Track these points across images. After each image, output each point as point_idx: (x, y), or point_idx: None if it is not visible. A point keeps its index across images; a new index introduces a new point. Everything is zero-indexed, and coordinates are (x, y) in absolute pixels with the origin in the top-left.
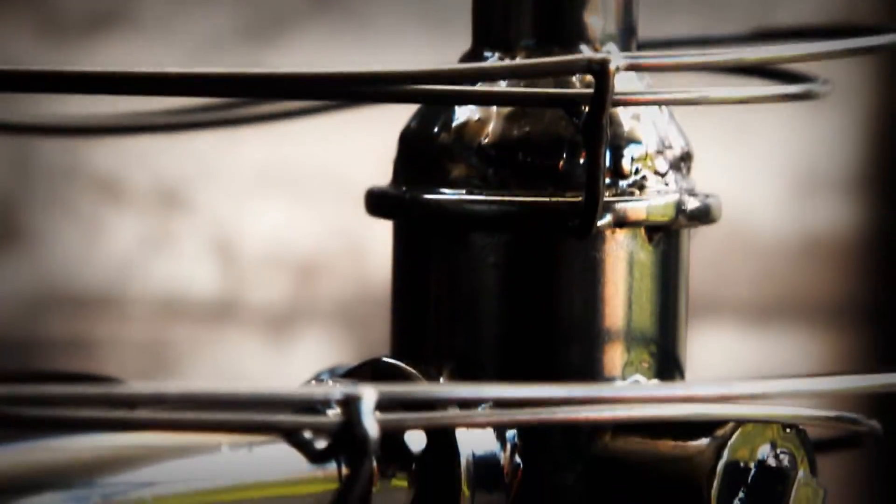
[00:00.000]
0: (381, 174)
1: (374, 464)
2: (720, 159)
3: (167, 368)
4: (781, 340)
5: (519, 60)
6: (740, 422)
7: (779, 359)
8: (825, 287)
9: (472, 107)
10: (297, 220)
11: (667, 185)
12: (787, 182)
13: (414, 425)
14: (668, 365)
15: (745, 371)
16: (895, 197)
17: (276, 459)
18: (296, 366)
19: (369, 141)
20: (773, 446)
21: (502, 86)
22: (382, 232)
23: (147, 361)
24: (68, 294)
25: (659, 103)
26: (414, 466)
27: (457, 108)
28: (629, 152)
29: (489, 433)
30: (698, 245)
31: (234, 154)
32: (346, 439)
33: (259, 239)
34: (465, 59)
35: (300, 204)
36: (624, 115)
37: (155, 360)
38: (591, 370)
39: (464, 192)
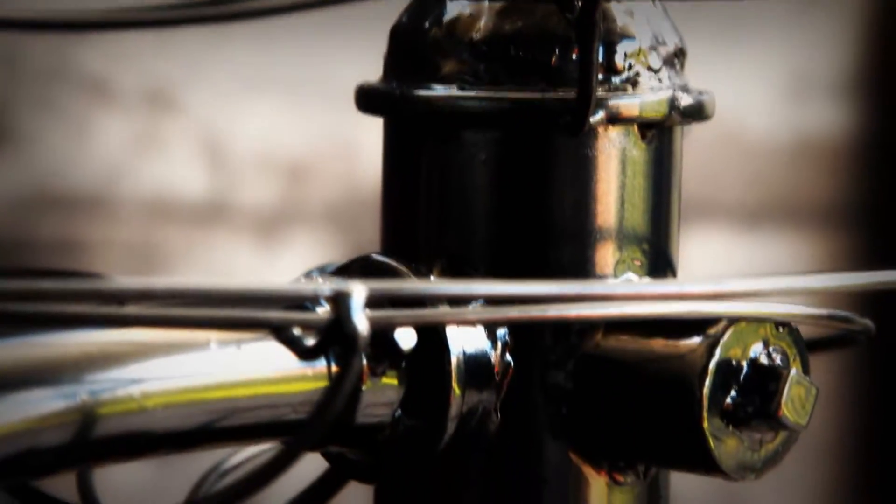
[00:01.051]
0: (373, 73)
1: (364, 361)
2: (713, 60)
3: (156, 269)
4: (773, 243)
5: None
6: (733, 320)
7: (770, 261)
8: (817, 189)
9: (463, 1)
10: (287, 121)
11: (660, 81)
12: (780, 84)
13: (404, 322)
14: (660, 263)
15: (736, 273)
16: (888, 100)
17: (265, 356)
18: (285, 267)
19: (360, 39)
20: (766, 344)
21: None
22: (373, 134)
23: (136, 263)
24: (57, 195)
25: None
26: (404, 364)
27: (448, 2)
28: (622, 48)
29: (480, 331)
30: (690, 148)
31: (223, 55)
32: (336, 336)
33: (249, 140)
34: None
35: (290, 105)
36: (617, 10)
37: (144, 262)
38: (582, 268)
39: (455, 87)
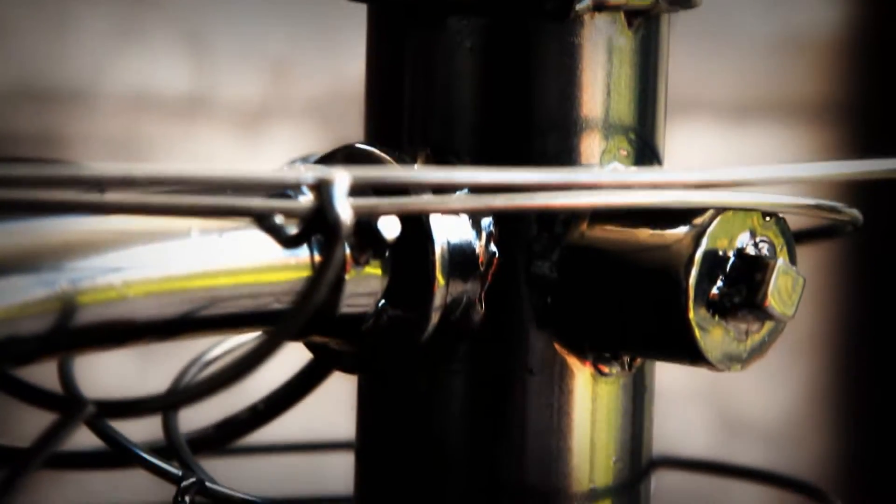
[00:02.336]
0: None
1: (347, 250)
2: None
3: (137, 163)
4: (760, 140)
5: None
6: (719, 209)
7: (758, 159)
8: (805, 85)
9: None
10: (270, 13)
11: None
12: None
13: (387, 210)
14: (646, 154)
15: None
16: None
17: (247, 245)
18: (268, 162)
19: None
20: (753, 235)
21: None
22: (357, 27)
23: (117, 156)
24: (38, 88)
25: None
26: (387, 254)
27: None
28: None
29: (464, 221)
30: (676, 42)
31: None
32: (318, 224)
33: (231, 33)
34: None
35: None
36: None
37: (125, 156)
38: (567, 158)
39: None
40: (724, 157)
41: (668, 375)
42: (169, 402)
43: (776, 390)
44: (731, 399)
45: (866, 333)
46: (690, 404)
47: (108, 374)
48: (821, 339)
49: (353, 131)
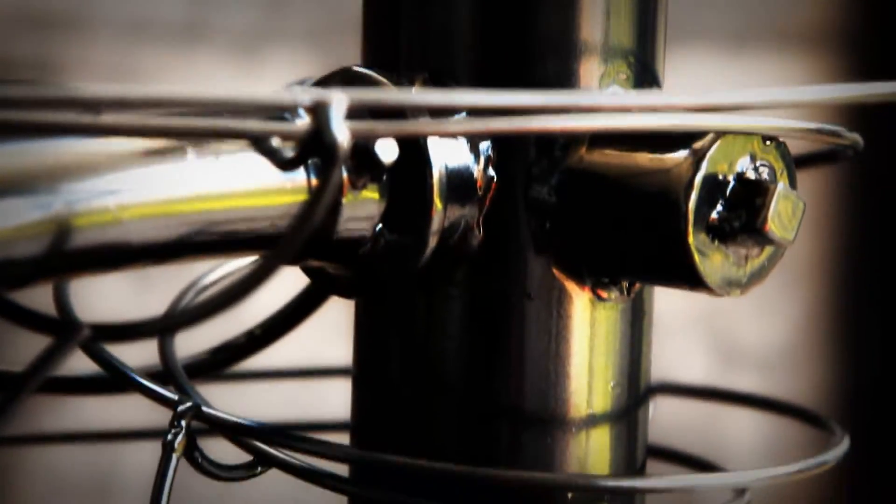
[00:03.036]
0: None
1: (344, 173)
2: None
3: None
4: (759, 67)
5: None
6: (720, 133)
7: (756, 86)
8: (804, 12)
9: None
10: None
11: None
12: None
13: (385, 133)
14: (645, 78)
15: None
16: None
17: (244, 169)
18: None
19: None
20: (753, 159)
21: None
22: None
23: (114, 82)
24: (36, 14)
25: None
26: (385, 178)
27: None
28: None
29: (462, 146)
30: None
31: None
32: (316, 146)
33: None
34: None
35: None
36: None
37: (123, 82)
38: (566, 81)
39: None
40: (720, 85)
41: (665, 305)
42: (165, 326)
43: (773, 319)
44: (728, 328)
45: (865, 261)
46: (687, 334)
47: (104, 300)
48: (819, 268)
49: (351, 57)
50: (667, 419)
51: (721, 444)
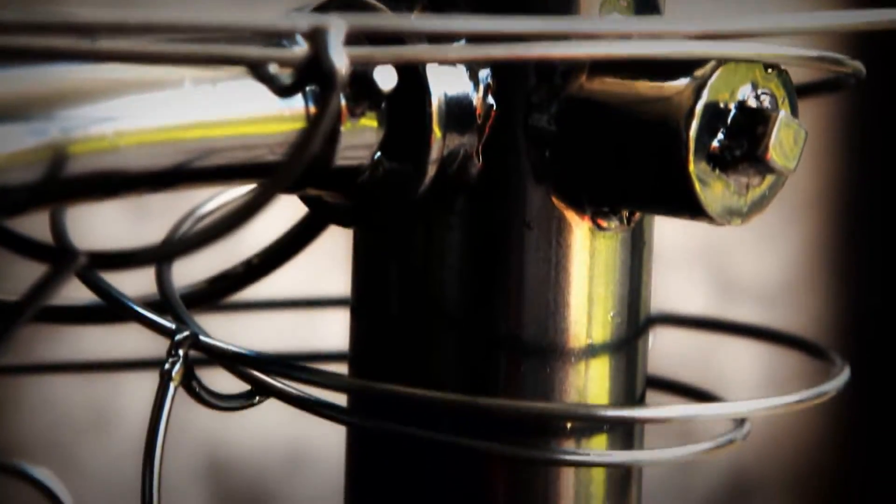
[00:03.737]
0: None
1: (342, 101)
2: None
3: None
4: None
5: None
6: (721, 61)
7: (756, 13)
8: None
9: None
10: None
11: None
12: None
13: (384, 59)
14: (646, 5)
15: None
16: None
17: (241, 96)
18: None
19: None
20: (754, 87)
21: None
22: None
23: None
24: None
25: None
26: (383, 106)
27: None
28: None
29: (462, 73)
30: None
31: None
32: (314, 73)
33: None
34: None
35: None
36: None
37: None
38: (567, 8)
39: None
40: (724, 13)
41: (664, 238)
42: (162, 253)
43: (773, 252)
44: (727, 261)
45: (865, 193)
46: (686, 268)
47: (101, 231)
48: (819, 200)
49: None
50: (666, 351)
51: (720, 378)
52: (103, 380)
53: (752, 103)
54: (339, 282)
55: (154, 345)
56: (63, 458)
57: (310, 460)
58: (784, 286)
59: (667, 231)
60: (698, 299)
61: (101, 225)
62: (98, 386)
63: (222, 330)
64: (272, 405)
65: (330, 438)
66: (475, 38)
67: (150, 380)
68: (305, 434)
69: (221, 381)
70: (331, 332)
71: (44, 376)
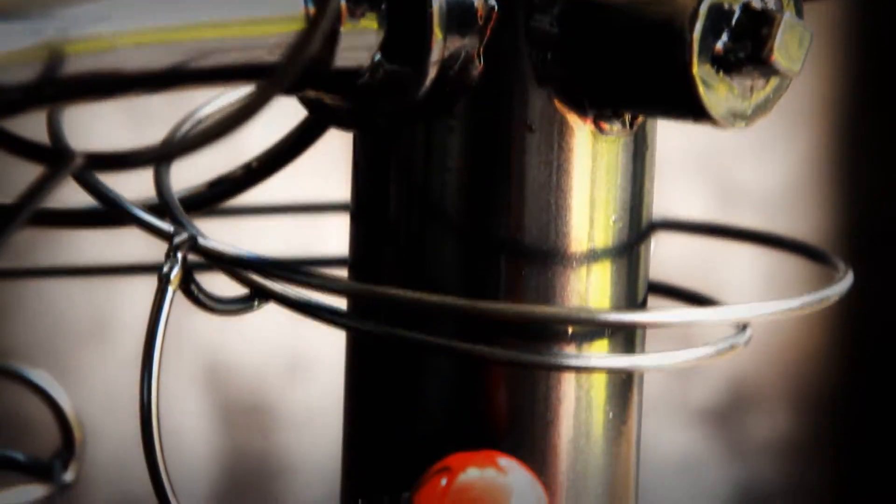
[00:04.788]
0: None
1: (342, 0)
2: None
3: None
4: None
5: None
6: None
7: None
8: None
9: None
10: None
11: None
12: None
13: None
14: None
15: None
16: None
17: None
18: None
19: None
20: None
21: None
22: None
23: None
24: None
25: None
26: (384, 6)
27: None
28: None
29: None
30: None
31: None
32: None
33: None
34: None
35: None
36: None
37: None
38: None
39: None
40: None
41: (663, 145)
42: (161, 154)
43: (774, 160)
44: (728, 169)
45: (869, 100)
46: (686, 176)
47: (100, 139)
48: (821, 107)
49: None
50: (668, 258)
51: (721, 287)
52: (103, 287)
53: (757, 4)
54: (340, 189)
55: (153, 251)
56: (62, 365)
57: (309, 368)
58: (785, 195)
59: (667, 138)
60: (697, 208)
61: (100, 131)
62: (98, 293)
63: (221, 236)
64: (271, 312)
65: (330, 346)
66: None
67: (149, 287)
68: (305, 342)
69: (221, 287)
70: (331, 237)
71: (43, 283)
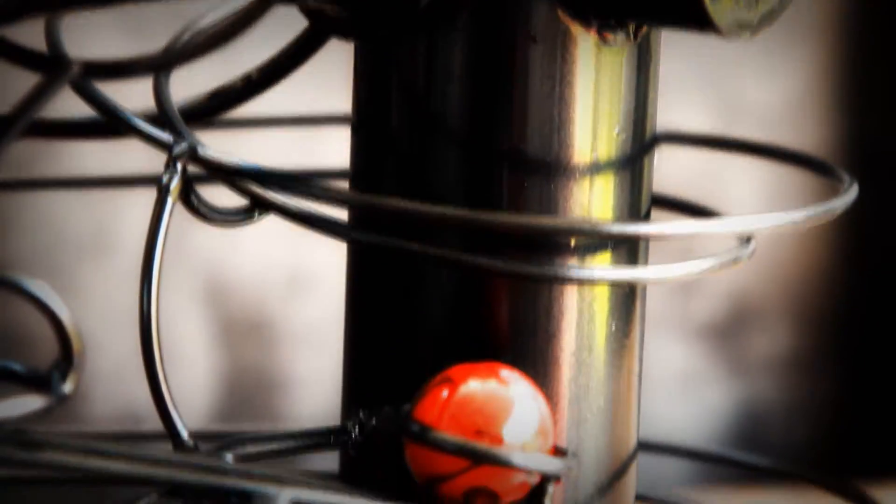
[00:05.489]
0: None
1: None
2: None
3: None
4: None
5: None
6: None
7: None
8: None
9: None
10: None
11: None
12: None
13: None
14: None
15: None
16: None
17: None
18: None
19: None
20: None
21: None
22: None
23: None
24: None
25: None
26: None
27: None
28: None
29: None
30: None
31: None
32: None
33: None
34: None
35: None
36: None
37: None
38: None
39: None
40: None
41: (666, 61)
42: (160, 62)
43: (778, 74)
44: (731, 85)
45: (874, 12)
46: (689, 90)
47: (98, 46)
48: (827, 20)
49: None
50: (670, 175)
51: (724, 204)
52: (104, 201)
53: None
54: (340, 100)
55: (154, 165)
56: (62, 279)
57: (310, 284)
58: (788, 110)
59: (669, 56)
60: (700, 124)
61: (98, 43)
62: (98, 208)
63: (221, 148)
64: (272, 228)
65: (330, 262)
66: None
67: (150, 201)
68: (305, 258)
69: (221, 202)
70: (331, 150)
71: (42, 196)
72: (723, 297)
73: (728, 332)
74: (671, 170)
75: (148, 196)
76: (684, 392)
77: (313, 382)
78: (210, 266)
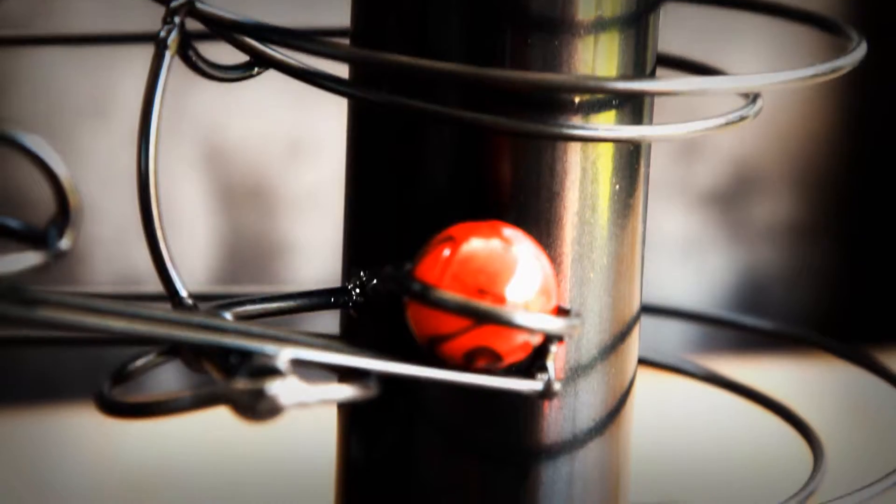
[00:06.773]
0: None
1: None
2: None
3: None
4: None
5: None
6: None
7: None
8: None
9: None
10: None
11: None
12: None
13: None
14: None
15: None
16: None
17: None
18: None
19: None
20: None
21: None
22: None
23: None
24: None
25: None
26: None
27: None
28: None
29: None
30: None
31: None
32: None
33: None
34: None
35: None
36: None
37: None
38: None
39: None
40: None
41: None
42: None
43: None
44: None
45: None
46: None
47: None
48: None
49: None
50: (674, 38)
51: (730, 67)
52: (102, 64)
53: None
54: None
55: (153, 26)
56: (61, 142)
57: (310, 149)
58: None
59: None
60: None
61: None
62: (98, 71)
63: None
64: (273, 91)
65: (331, 127)
66: None
67: (149, 63)
68: (306, 123)
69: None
70: (332, 9)
71: (40, 56)
72: (725, 164)
73: (730, 197)
74: (675, 34)
75: (147, 59)
76: (685, 258)
77: (314, 247)
78: (210, 131)
